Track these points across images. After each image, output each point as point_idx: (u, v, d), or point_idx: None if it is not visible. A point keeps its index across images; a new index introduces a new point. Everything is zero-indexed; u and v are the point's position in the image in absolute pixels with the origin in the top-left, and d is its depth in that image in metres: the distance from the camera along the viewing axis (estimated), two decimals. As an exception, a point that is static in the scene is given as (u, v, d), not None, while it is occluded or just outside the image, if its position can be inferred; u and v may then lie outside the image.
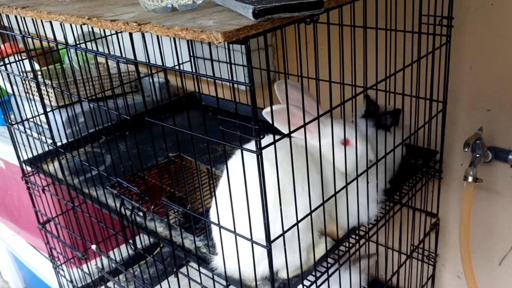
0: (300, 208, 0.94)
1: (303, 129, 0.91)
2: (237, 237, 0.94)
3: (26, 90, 1.62)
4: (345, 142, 1.07)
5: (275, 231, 0.92)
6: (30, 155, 1.59)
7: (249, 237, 0.91)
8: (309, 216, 0.97)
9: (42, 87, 1.77)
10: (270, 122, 0.95)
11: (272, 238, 0.89)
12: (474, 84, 1.33)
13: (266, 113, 0.96)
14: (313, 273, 1.05)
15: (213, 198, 1.04)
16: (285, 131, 0.91)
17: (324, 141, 1.02)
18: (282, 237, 0.92)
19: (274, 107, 0.96)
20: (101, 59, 2.04)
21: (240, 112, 0.92)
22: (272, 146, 0.85)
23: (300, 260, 1.00)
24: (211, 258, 1.11)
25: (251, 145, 0.83)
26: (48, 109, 1.52)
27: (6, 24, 1.38)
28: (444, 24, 1.22)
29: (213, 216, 1.05)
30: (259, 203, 0.86)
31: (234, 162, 1.06)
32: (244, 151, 0.85)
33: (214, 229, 1.08)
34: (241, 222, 0.93)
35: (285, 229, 0.93)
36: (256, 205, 0.88)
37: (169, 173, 1.75)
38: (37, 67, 1.82)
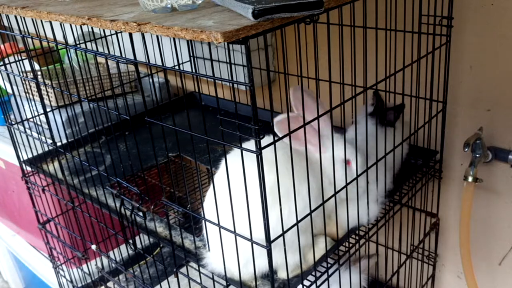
0: (294, 210, 0.94)
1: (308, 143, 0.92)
2: (230, 235, 0.94)
3: (26, 90, 1.62)
4: (345, 162, 1.07)
5: (272, 231, 0.92)
6: (30, 155, 1.59)
7: (242, 236, 0.92)
8: (306, 218, 0.97)
9: (42, 87, 1.77)
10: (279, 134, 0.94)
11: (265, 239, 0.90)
12: (474, 84, 1.33)
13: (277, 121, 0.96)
14: (313, 273, 1.05)
15: (206, 196, 1.04)
16: (298, 146, 0.92)
17: (325, 156, 1.04)
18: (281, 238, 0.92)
19: (279, 117, 0.96)
20: (101, 59, 2.04)
21: (240, 112, 0.92)
22: (269, 147, 0.85)
23: (300, 260, 1.00)
24: (203, 254, 1.11)
25: (248, 145, 0.83)
26: (48, 109, 1.52)
27: (6, 24, 1.37)
28: (444, 24, 1.22)
29: (206, 214, 1.05)
30: (253, 203, 0.86)
31: (229, 161, 1.06)
32: (237, 150, 0.85)
33: (207, 225, 1.08)
34: (239, 221, 0.93)
35: (282, 231, 0.93)
36: (250, 204, 0.88)
37: (169, 173, 1.75)
38: (37, 67, 1.82)
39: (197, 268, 1.11)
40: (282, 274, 1.04)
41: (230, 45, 0.81)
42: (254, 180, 0.84)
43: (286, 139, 0.90)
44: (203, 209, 1.01)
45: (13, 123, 1.63)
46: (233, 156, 1.05)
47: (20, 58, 1.53)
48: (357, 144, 1.09)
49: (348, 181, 1.06)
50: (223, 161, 1.05)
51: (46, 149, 1.58)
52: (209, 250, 1.10)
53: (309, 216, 0.98)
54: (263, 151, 0.82)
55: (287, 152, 0.91)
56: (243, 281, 1.02)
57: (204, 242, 1.17)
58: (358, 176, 1.07)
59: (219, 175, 1.07)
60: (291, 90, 1.05)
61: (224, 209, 0.94)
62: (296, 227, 0.96)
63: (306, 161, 0.94)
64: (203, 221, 1.04)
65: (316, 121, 0.94)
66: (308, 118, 0.92)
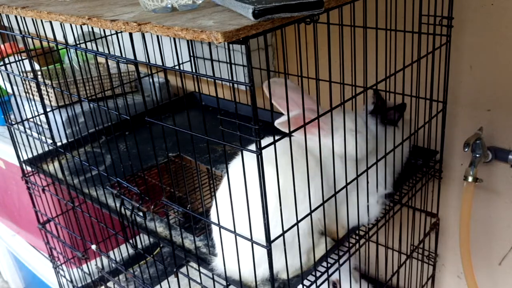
0: (302, 212, 0.94)
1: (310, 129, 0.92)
2: (238, 238, 0.94)
3: (26, 90, 1.62)
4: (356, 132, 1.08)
5: (276, 234, 0.92)
6: (30, 155, 1.59)
7: (242, 236, 0.92)
8: (310, 220, 0.97)
9: (42, 87, 1.77)
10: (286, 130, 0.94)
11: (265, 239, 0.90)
12: (474, 84, 1.33)
13: (279, 123, 0.97)
14: (313, 273, 1.05)
15: (214, 199, 1.04)
16: (298, 135, 0.92)
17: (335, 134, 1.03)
18: (282, 239, 0.93)
19: (281, 119, 0.97)
20: (101, 59, 2.04)
21: (240, 112, 0.92)
22: (278, 149, 0.85)
23: (300, 260, 1.00)
24: (211, 259, 1.11)
25: (254, 147, 0.83)
26: (48, 109, 1.52)
27: (6, 24, 1.38)
28: (444, 24, 1.22)
29: (213, 217, 1.05)
30: (259, 205, 0.86)
31: (235, 163, 1.06)
32: (244, 152, 0.85)
33: (214, 230, 1.08)
34: (241, 223, 0.93)
35: (287, 233, 0.93)
36: (257, 206, 0.88)
37: (169, 173, 1.75)
38: (37, 67, 1.82)
39: (197, 268, 1.11)
40: (282, 275, 1.04)
41: (230, 45, 0.81)
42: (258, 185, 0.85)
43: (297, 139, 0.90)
44: (217, 211, 1.00)
45: (13, 123, 1.63)
46: (239, 158, 1.04)
47: (20, 58, 1.53)
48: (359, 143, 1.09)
49: (348, 177, 1.06)
50: (231, 164, 1.05)
51: (46, 149, 1.58)
52: (214, 254, 1.09)
53: (318, 218, 0.99)
54: (270, 154, 0.82)
55: (295, 153, 0.92)
56: (244, 281, 1.02)
57: (205, 242, 1.17)
58: (358, 175, 1.07)
59: (227, 179, 1.06)
60: (264, 85, 0.98)
61: (237, 212, 0.94)
62: (309, 228, 0.96)
63: (306, 159, 0.94)
64: (211, 224, 1.03)
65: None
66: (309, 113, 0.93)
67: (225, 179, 1.06)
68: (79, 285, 1.84)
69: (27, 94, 1.59)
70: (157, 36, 0.84)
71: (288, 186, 0.92)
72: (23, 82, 1.60)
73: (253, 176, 0.86)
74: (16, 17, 1.30)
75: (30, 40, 1.31)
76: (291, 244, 0.97)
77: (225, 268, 1.02)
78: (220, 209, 0.98)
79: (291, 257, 0.97)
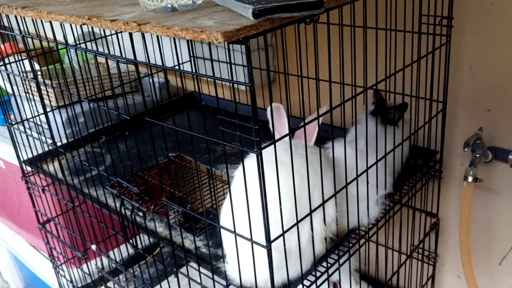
0: (317, 217, 0.96)
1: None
2: (246, 243, 0.93)
3: (26, 90, 1.62)
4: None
5: (291, 242, 0.94)
6: (30, 155, 1.59)
7: (242, 236, 0.92)
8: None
9: (42, 87, 1.77)
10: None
11: (287, 250, 0.92)
12: (474, 84, 1.33)
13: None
14: (313, 273, 1.05)
15: (224, 204, 1.04)
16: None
17: None
18: (296, 247, 0.95)
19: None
20: (101, 59, 2.04)
21: (240, 112, 0.92)
22: (287, 152, 0.87)
23: (300, 260, 1.00)
24: (220, 264, 1.09)
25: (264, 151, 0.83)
26: (48, 109, 1.52)
27: (6, 24, 1.38)
28: (444, 24, 1.22)
29: (224, 222, 1.02)
30: (272, 210, 0.87)
31: (247, 166, 1.05)
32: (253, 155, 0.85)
33: (224, 236, 1.06)
34: (255, 229, 0.92)
35: (297, 236, 0.94)
36: (271, 212, 0.88)
37: (169, 173, 1.75)
38: (37, 67, 1.82)
39: (197, 268, 1.11)
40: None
41: (230, 45, 0.81)
42: (271, 187, 0.85)
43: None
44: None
45: (13, 123, 1.63)
46: (250, 160, 0.98)
47: (20, 58, 1.53)
48: (358, 144, 1.09)
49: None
50: (240, 168, 1.05)
51: (46, 149, 1.58)
52: (228, 262, 1.08)
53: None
54: (282, 159, 0.84)
55: (300, 153, 0.92)
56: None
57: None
58: (358, 175, 1.07)
59: (236, 182, 1.04)
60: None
61: (238, 215, 0.93)
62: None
63: (306, 161, 0.94)
64: (220, 229, 1.02)
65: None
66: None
67: (235, 183, 1.04)
68: (79, 285, 1.84)
69: (27, 94, 1.59)
70: (157, 36, 0.84)
71: (303, 189, 0.94)
72: (23, 82, 1.60)
73: (269, 182, 0.85)
74: (16, 17, 1.30)
75: (30, 40, 1.31)
76: (304, 251, 0.98)
77: (225, 269, 1.02)
78: (228, 214, 0.97)
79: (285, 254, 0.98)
